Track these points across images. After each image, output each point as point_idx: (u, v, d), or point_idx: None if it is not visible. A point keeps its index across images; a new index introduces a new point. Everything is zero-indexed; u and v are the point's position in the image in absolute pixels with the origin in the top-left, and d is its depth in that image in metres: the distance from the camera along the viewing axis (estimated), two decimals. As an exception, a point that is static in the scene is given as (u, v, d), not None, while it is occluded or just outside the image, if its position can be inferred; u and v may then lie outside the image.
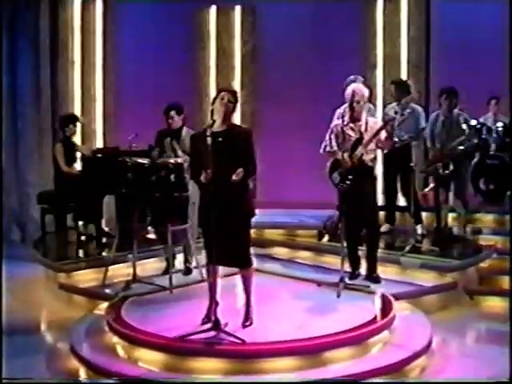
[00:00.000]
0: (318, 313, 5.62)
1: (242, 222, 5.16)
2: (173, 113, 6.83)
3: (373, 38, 9.99)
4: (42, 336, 6.14)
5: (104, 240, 7.72)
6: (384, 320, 5.33)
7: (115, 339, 5.36)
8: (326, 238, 8.09)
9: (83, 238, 7.88)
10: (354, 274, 6.53)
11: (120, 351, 5.24)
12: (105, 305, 6.19)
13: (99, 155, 7.69)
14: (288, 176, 9.62)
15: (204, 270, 6.55)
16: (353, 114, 6.32)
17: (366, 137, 6.26)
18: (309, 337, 4.95)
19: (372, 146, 6.30)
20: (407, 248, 7.06)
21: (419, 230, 7.69)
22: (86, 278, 6.89)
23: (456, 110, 7.43)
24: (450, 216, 7.89)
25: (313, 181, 9.19)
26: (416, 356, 5.04)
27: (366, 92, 6.38)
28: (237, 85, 10.37)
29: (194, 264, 6.89)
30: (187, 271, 6.85)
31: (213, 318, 5.00)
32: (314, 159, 9.07)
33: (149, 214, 6.58)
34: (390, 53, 9.94)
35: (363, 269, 6.64)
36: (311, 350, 4.87)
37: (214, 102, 5.14)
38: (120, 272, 6.84)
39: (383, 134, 6.28)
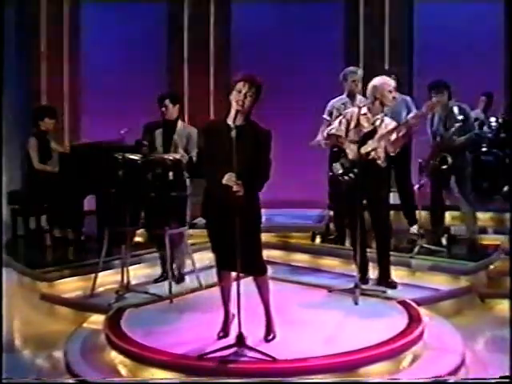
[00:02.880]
0: (341, 323, 5.13)
1: (254, 226, 4.61)
2: (167, 101, 6.20)
3: (355, 35, 9.73)
4: (30, 354, 5.41)
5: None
6: (417, 330, 4.87)
7: (118, 357, 4.77)
8: (318, 240, 7.69)
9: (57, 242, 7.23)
10: (364, 279, 6.07)
11: (125, 371, 4.65)
12: (96, 317, 5.61)
13: (80, 151, 7.00)
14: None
15: (202, 277, 6.12)
16: (374, 104, 5.89)
17: (380, 132, 5.82)
18: (343, 352, 4.46)
19: (382, 143, 5.85)
20: (415, 249, 6.65)
21: (415, 230, 7.29)
22: (70, 287, 6.25)
23: (451, 102, 6.99)
24: (448, 214, 7.52)
25: (299, 178, 8.84)
26: (456, 369, 4.60)
27: (391, 86, 5.94)
28: (210, 79, 9.90)
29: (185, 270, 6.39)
30: (180, 279, 6.27)
31: (236, 332, 4.44)
32: (297, 156, 8.79)
33: (142, 215, 5.98)
34: (373, 49, 9.68)
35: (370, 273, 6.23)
36: (347, 367, 4.39)
37: (230, 92, 4.57)
38: (107, 280, 6.23)
39: (394, 136, 5.84)
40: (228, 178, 4.37)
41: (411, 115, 6.08)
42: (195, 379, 4.35)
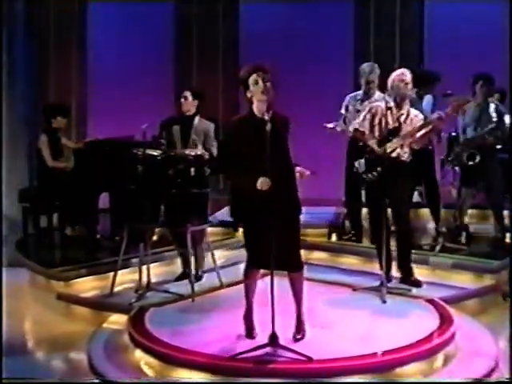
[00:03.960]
0: (372, 322, 5.01)
1: (294, 219, 4.52)
2: (187, 93, 6.01)
3: (365, 32, 9.68)
4: (50, 355, 5.21)
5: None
6: (451, 330, 4.75)
7: (144, 357, 4.62)
8: (334, 238, 7.58)
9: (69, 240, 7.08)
10: (387, 277, 5.93)
11: (153, 371, 4.51)
12: (116, 317, 5.47)
13: (96, 147, 6.83)
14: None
15: (222, 275, 6.01)
16: (396, 99, 5.73)
17: (405, 128, 5.69)
18: (379, 352, 4.33)
19: (408, 140, 5.71)
20: (438, 248, 6.56)
21: (440, 228, 7.20)
22: (87, 286, 6.11)
23: (490, 99, 6.93)
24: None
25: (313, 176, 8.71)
26: (493, 368, 4.49)
27: (410, 78, 5.77)
28: (219, 77, 9.78)
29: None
30: (199, 277, 6.13)
31: (270, 332, 4.31)
32: (311, 153, 8.67)
33: (161, 212, 5.84)
34: (382, 43, 9.61)
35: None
36: (384, 367, 4.27)
37: (246, 86, 4.43)
38: (124, 279, 6.08)
39: (420, 133, 5.70)
40: (262, 182, 4.25)
41: (435, 115, 5.94)
42: (228, 380, 4.22)
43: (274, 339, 4.27)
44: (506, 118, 6.93)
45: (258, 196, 4.29)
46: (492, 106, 6.80)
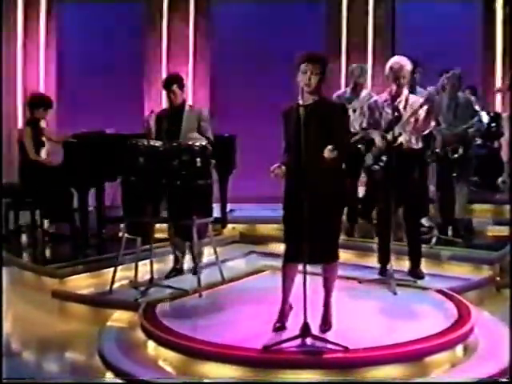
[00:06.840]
0: (391, 313, 4.98)
1: (334, 210, 4.46)
2: (175, 87, 5.96)
3: (337, 25, 9.72)
4: (54, 356, 4.95)
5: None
6: (472, 320, 4.73)
7: (163, 352, 4.48)
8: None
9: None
10: (384, 269, 5.87)
11: (176, 366, 4.35)
12: (118, 314, 5.27)
13: (87, 140, 6.54)
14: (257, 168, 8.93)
15: (224, 269, 5.91)
16: (391, 89, 5.69)
17: (405, 115, 5.65)
18: (412, 340, 4.30)
19: (411, 125, 5.68)
20: (433, 240, 6.57)
21: (426, 222, 7.21)
22: (81, 283, 5.87)
23: (461, 93, 7.01)
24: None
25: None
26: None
27: (408, 65, 5.68)
28: (189, 70, 9.62)
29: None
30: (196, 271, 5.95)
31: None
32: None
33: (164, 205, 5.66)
34: (355, 40, 9.69)
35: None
36: (416, 356, 4.23)
37: (298, 70, 4.45)
38: (119, 275, 5.81)
39: (422, 114, 5.66)
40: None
41: (431, 90, 5.88)
42: (261, 374, 4.10)
43: (306, 330, 4.17)
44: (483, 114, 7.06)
45: (296, 184, 4.27)
46: (473, 99, 6.90)
